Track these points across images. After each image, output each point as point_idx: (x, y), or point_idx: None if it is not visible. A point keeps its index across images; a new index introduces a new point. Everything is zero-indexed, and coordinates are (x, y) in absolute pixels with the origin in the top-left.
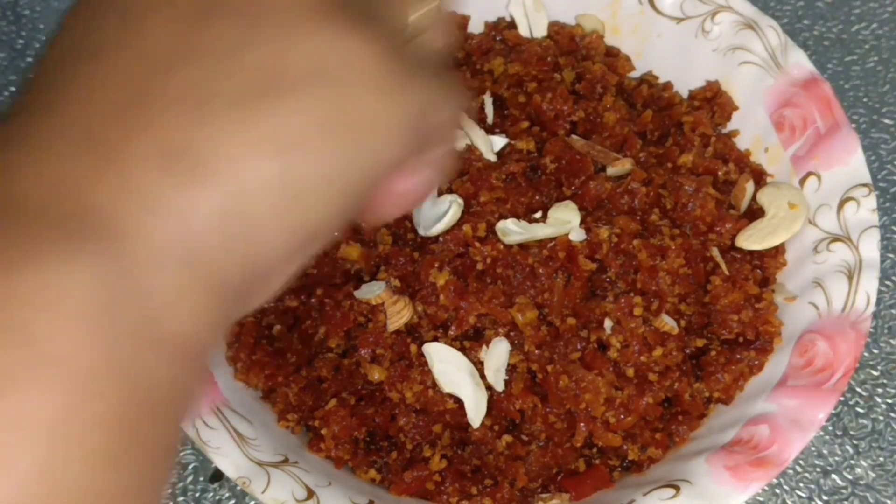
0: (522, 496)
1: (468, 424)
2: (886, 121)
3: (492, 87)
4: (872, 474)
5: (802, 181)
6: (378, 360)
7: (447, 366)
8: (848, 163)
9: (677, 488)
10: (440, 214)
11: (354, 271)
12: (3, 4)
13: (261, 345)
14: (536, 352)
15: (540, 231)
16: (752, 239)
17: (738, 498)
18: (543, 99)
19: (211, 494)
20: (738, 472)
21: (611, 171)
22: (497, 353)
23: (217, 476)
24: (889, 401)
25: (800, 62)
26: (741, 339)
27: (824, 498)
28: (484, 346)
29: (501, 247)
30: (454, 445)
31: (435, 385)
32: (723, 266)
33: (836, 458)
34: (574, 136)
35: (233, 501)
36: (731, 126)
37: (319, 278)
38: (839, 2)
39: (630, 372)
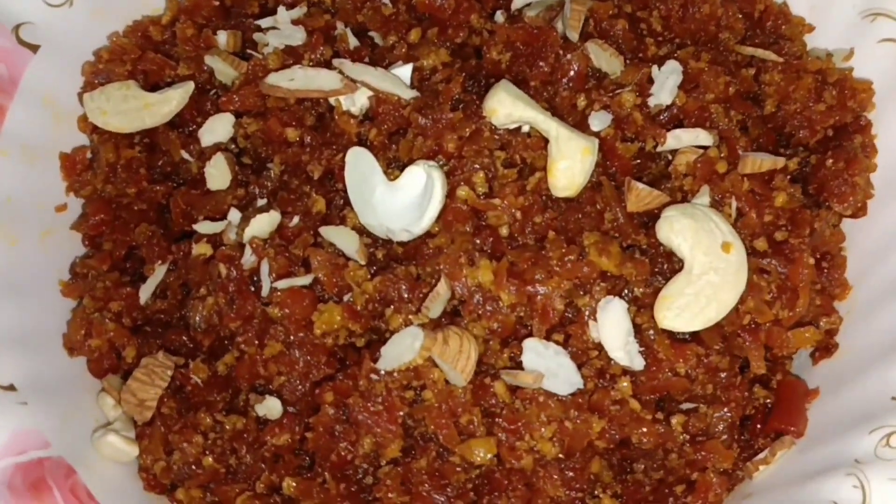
0: (731, 474)
1: (626, 437)
2: None
3: (336, 17)
4: None
5: None
6: (467, 432)
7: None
8: None
9: None
10: (416, 197)
11: (343, 344)
12: None
13: None
14: (649, 291)
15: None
16: (683, 317)
17: None
18: None
19: None
20: None
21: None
22: (615, 321)
23: None
24: None
25: None
26: (831, 133)
27: None
28: (590, 322)
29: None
30: (619, 474)
31: (568, 411)
32: (770, 55)
33: None
34: (529, 12)
35: None
36: None
37: (300, 381)
38: None
39: (762, 244)
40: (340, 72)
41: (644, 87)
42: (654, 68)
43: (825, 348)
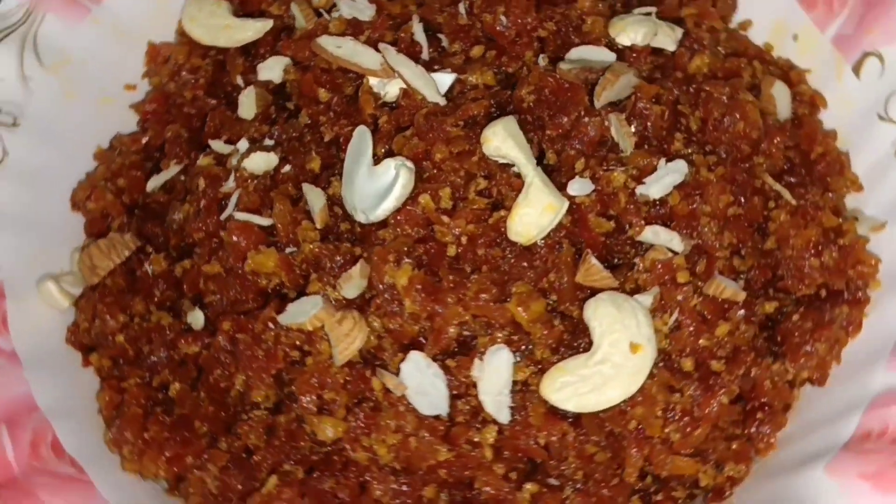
0: None
1: (472, 478)
2: None
3: (419, 10)
4: None
5: (857, 66)
6: (329, 408)
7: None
8: None
9: None
10: (385, 188)
11: (273, 288)
12: None
13: (154, 415)
14: (553, 358)
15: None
16: (562, 392)
17: None
18: (495, 16)
19: None
20: (883, 480)
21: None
22: (496, 369)
23: None
24: None
25: None
26: (824, 293)
27: None
28: (476, 360)
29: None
30: None
31: (419, 430)
32: (786, 195)
33: None
34: (563, 65)
35: None
36: (738, 17)
37: (226, 307)
38: None
39: (688, 364)
40: (384, 56)
41: (643, 175)
42: (662, 161)
43: (719, 492)
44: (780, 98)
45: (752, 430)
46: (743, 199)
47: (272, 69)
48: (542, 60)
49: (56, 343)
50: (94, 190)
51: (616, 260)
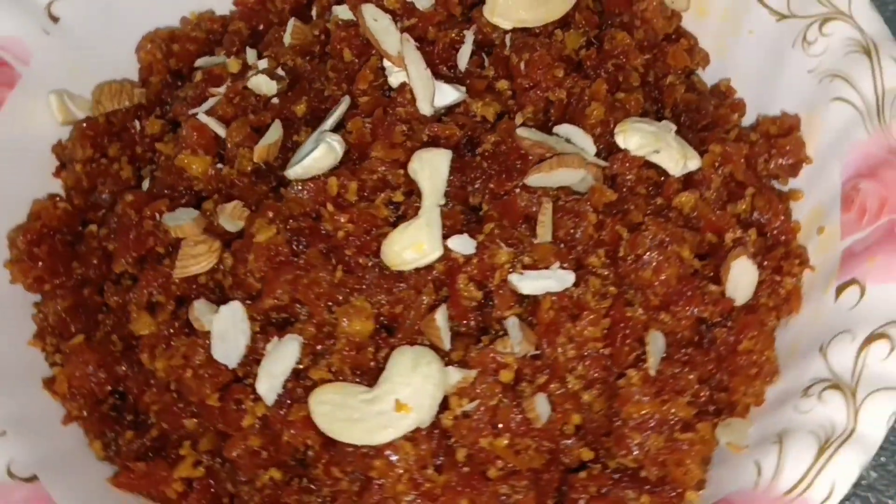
0: None
1: (227, 435)
2: None
3: (484, 25)
4: (874, 474)
5: (841, 288)
6: (155, 308)
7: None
8: None
9: None
10: (310, 152)
11: (203, 189)
12: None
13: (55, 238)
14: (349, 376)
15: None
16: (321, 408)
17: None
18: (519, 60)
19: None
20: None
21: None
22: (281, 354)
23: None
24: None
25: None
26: (642, 474)
27: None
28: (275, 338)
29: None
30: (215, 454)
31: (201, 368)
32: (651, 361)
33: None
34: (524, 129)
35: None
36: (795, 183)
37: (163, 188)
38: None
39: (461, 454)
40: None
41: (533, 267)
42: (556, 265)
43: None
44: (740, 277)
45: None
46: (616, 342)
47: (335, 11)
48: (520, 118)
49: (39, 145)
50: (150, 43)
51: (489, 331)
